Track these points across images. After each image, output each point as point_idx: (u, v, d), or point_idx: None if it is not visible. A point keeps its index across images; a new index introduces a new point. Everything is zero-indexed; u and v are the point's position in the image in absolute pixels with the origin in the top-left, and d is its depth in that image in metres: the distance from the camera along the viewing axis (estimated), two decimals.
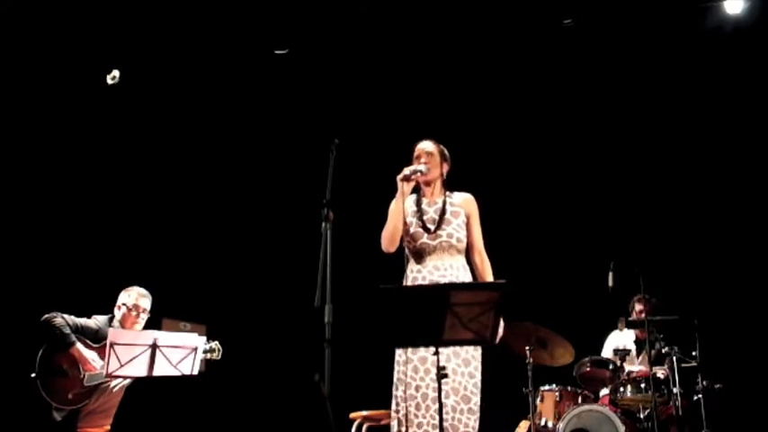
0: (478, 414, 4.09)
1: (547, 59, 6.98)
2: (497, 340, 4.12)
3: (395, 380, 4.15)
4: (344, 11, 6.55)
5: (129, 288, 5.18)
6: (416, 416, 4.01)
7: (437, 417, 3.86)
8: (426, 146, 4.39)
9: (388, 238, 4.22)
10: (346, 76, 7.03)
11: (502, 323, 4.15)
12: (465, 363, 4.06)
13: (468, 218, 4.34)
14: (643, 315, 5.84)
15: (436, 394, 3.83)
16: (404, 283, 4.24)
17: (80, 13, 6.39)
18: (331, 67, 6.99)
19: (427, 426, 3.96)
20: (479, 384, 4.12)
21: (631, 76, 6.95)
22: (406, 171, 4.22)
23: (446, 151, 4.42)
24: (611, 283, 5.69)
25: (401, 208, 4.22)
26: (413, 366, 4.07)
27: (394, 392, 4.14)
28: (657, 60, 6.86)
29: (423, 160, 4.33)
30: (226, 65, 6.95)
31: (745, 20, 6.55)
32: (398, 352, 4.15)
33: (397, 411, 4.09)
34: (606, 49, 6.85)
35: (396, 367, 4.15)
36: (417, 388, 4.03)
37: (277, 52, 6.98)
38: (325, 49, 6.90)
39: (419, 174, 4.24)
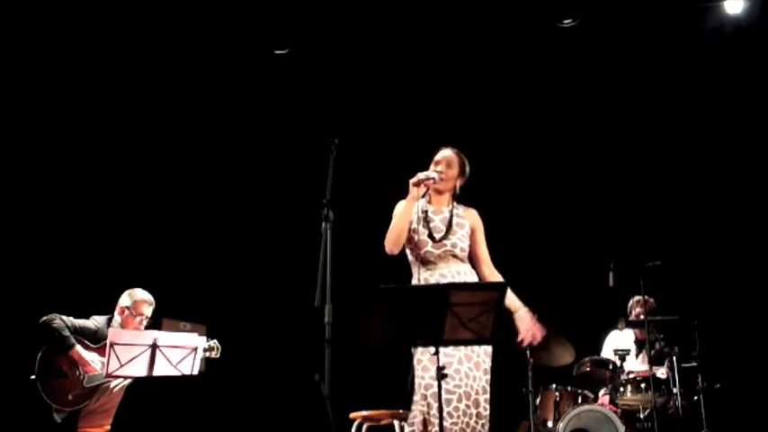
0: (486, 418, 4.07)
1: (547, 59, 6.97)
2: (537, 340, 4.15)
3: (414, 384, 4.13)
4: (344, 11, 6.54)
5: (133, 291, 5.14)
6: (428, 413, 4.00)
7: (449, 418, 3.88)
8: (448, 156, 4.33)
9: (394, 240, 4.19)
10: (346, 77, 7.02)
11: (539, 326, 4.15)
12: (476, 366, 4.06)
13: (473, 230, 4.33)
14: (642, 316, 5.86)
15: (446, 396, 3.85)
16: None
17: (80, 12, 6.39)
18: (331, 67, 6.99)
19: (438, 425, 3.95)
20: (488, 388, 4.12)
21: (632, 76, 6.95)
22: (420, 176, 4.16)
23: (467, 165, 4.38)
24: (611, 282, 5.68)
25: (410, 211, 4.20)
26: (423, 366, 4.07)
27: (414, 397, 4.13)
28: (657, 60, 6.86)
29: (439, 168, 4.29)
30: (226, 65, 6.95)
31: (745, 20, 6.55)
32: (413, 353, 4.15)
33: (415, 415, 4.08)
34: (606, 50, 6.85)
35: (414, 371, 4.14)
36: (427, 387, 4.03)
37: (277, 52, 6.98)
38: (325, 50, 6.90)
39: (431, 181, 4.19)
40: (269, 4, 6.51)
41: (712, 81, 6.83)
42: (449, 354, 3.97)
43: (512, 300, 4.15)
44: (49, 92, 6.74)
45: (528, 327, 4.17)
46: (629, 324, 6.08)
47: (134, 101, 6.99)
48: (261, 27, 6.71)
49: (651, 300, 6.00)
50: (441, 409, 3.62)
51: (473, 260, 4.34)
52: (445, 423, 3.88)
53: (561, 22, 6.73)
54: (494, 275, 4.31)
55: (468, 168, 4.39)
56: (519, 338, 4.18)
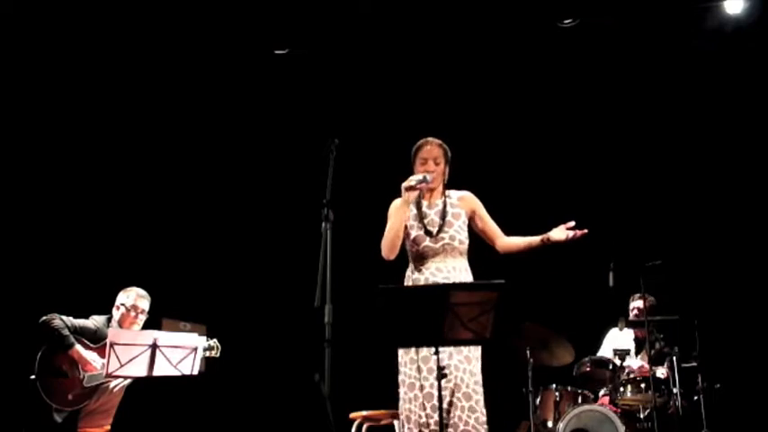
0: (481, 413, 4.06)
1: (546, 59, 6.97)
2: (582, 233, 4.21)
3: (399, 380, 4.15)
4: (344, 11, 6.54)
5: (128, 288, 5.17)
6: (420, 416, 4.00)
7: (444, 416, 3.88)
8: (434, 152, 4.30)
9: (389, 246, 4.17)
10: (346, 77, 7.02)
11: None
12: (467, 360, 4.05)
13: (472, 214, 4.32)
14: (638, 312, 5.87)
15: (436, 392, 3.81)
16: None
17: (80, 12, 6.39)
18: (331, 67, 6.99)
19: (435, 426, 3.93)
20: (480, 382, 4.11)
21: (632, 76, 6.95)
22: (412, 181, 4.12)
23: (449, 152, 4.37)
24: (611, 282, 5.68)
25: (403, 215, 4.18)
26: (416, 367, 4.06)
27: (400, 394, 4.14)
28: (657, 60, 6.86)
29: (430, 168, 4.26)
30: (226, 65, 6.95)
31: (745, 20, 6.55)
32: (401, 353, 4.15)
33: (401, 413, 4.09)
34: (606, 49, 6.85)
35: (400, 368, 4.15)
36: (421, 388, 4.03)
37: (277, 52, 6.98)
38: (325, 50, 6.90)
39: (425, 183, 4.17)
40: (269, 4, 6.51)
41: (712, 81, 6.83)
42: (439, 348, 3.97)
43: (531, 239, 4.27)
44: (50, 92, 6.74)
45: (565, 233, 4.23)
46: (629, 324, 6.08)
47: (134, 101, 6.99)
48: (261, 27, 6.71)
49: (651, 298, 6.00)
50: (440, 410, 3.63)
51: (487, 238, 4.34)
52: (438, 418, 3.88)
53: (561, 22, 6.73)
54: (511, 240, 4.35)
55: (449, 154, 4.37)
56: (564, 238, 4.24)
